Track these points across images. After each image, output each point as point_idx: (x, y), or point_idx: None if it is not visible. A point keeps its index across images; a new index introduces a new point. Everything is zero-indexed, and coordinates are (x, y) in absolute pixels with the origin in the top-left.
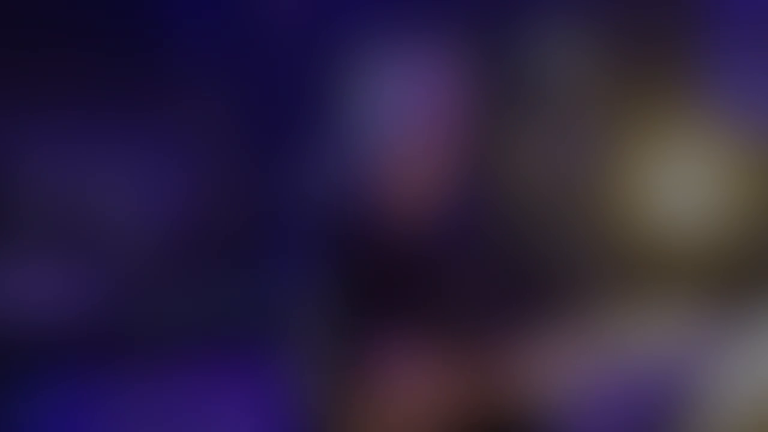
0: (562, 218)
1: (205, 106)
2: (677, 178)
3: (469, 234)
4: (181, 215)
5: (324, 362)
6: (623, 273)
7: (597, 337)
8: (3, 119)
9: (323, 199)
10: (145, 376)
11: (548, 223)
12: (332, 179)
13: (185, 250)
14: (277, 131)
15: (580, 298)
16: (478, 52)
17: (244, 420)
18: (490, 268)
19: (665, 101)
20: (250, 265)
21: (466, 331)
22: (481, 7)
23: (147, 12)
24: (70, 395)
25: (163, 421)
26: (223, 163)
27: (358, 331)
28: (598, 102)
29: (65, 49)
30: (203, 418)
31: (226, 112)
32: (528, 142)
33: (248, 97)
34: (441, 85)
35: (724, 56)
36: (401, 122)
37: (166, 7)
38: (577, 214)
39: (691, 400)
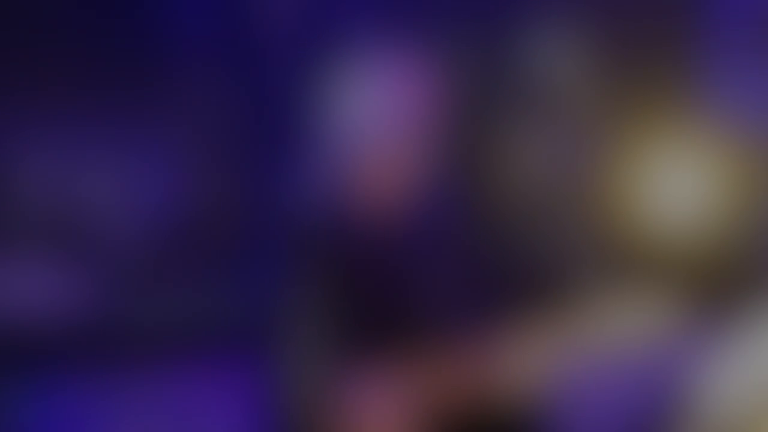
0: (547, 218)
1: (190, 113)
2: (665, 174)
3: (453, 235)
4: (169, 220)
5: (308, 364)
6: (611, 271)
7: (586, 337)
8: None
9: (308, 205)
10: (133, 378)
11: (534, 223)
12: (318, 184)
13: (172, 256)
14: (259, 139)
15: (570, 298)
16: (459, 54)
17: (231, 420)
18: (474, 269)
19: (653, 99)
20: (237, 269)
21: (450, 333)
22: (462, 10)
23: (127, 20)
24: (61, 396)
25: (151, 422)
26: (212, 168)
27: (343, 332)
28: (582, 101)
29: (57, 50)
30: (190, 419)
31: (211, 120)
32: (509, 142)
33: (231, 105)
34: (423, 88)
35: (719, 57)
36: (382, 126)
37: (147, 19)
38: (564, 213)
39: (679, 397)
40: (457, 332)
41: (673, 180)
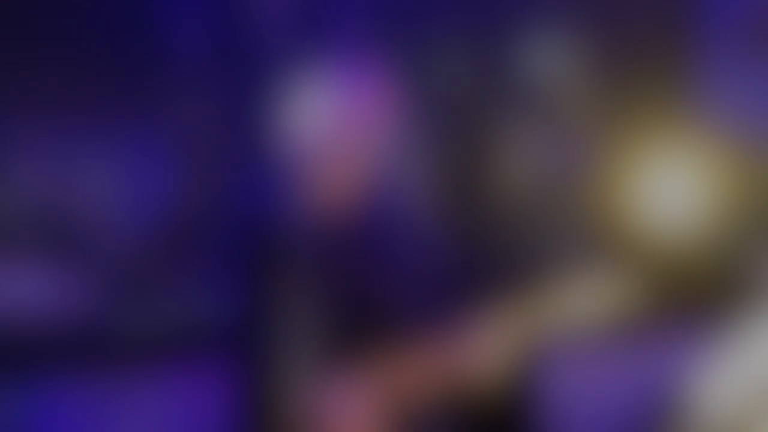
0: (531, 213)
1: (165, 124)
2: (648, 170)
3: (421, 231)
4: (150, 229)
5: (285, 364)
6: (593, 265)
7: (562, 329)
8: None
9: (280, 210)
10: (119, 380)
11: (514, 216)
12: (289, 190)
13: (154, 262)
14: (232, 148)
15: (545, 291)
16: (419, 59)
17: (214, 420)
18: (445, 264)
19: (634, 98)
20: (215, 275)
21: (422, 326)
22: (427, 16)
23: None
24: (46, 397)
25: (136, 422)
26: (189, 176)
27: (318, 332)
28: (558, 98)
29: (45, 55)
30: (175, 419)
31: (185, 129)
32: (479, 135)
33: (203, 116)
34: (388, 90)
35: (714, 60)
36: (348, 130)
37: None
38: (547, 208)
39: (662, 393)
40: (429, 325)
41: (662, 179)
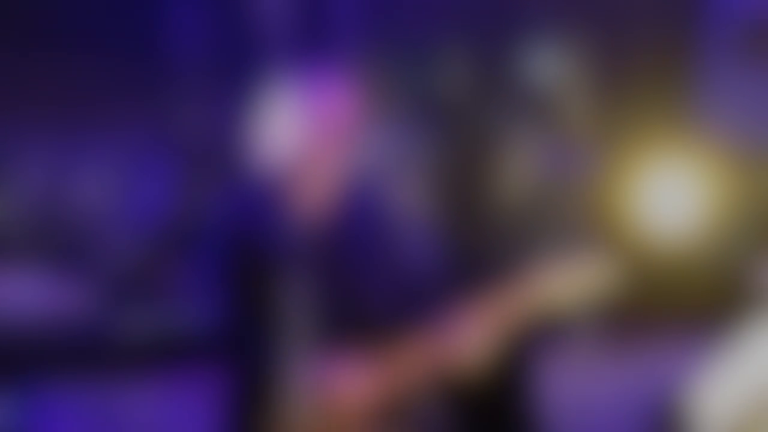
0: (526, 216)
1: (147, 134)
2: (640, 175)
3: (408, 227)
4: (137, 243)
5: (275, 368)
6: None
7: (549, 321)
8: None
9: (263, 219)
10: (111, 386)
11: (506, 218)
12: (272, 198)
13: (144, 275)
14: (214, 161)
15: (530, 288)
16: (387, 67)
17: (204, 423)
18: (431, 258)
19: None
20: (203, 284)
21: (410, 321)
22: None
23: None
24: (42, 402)
25: (127, 426)
26: (177, 186)
27: (307, 336)
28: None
29: (39, 59)
30: (165, 423)
31: (169, 141)
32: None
33: (184, 125)
34: (367, 100)
35: (713, 67)
36: (325, 137)
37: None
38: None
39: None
40: (420, 319)
41: (661, 183)
